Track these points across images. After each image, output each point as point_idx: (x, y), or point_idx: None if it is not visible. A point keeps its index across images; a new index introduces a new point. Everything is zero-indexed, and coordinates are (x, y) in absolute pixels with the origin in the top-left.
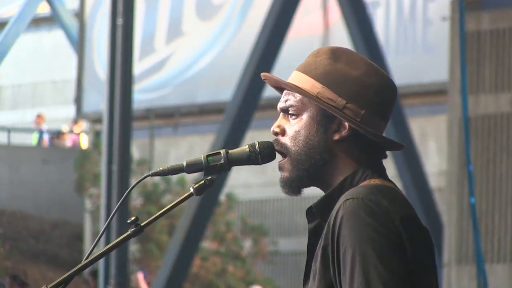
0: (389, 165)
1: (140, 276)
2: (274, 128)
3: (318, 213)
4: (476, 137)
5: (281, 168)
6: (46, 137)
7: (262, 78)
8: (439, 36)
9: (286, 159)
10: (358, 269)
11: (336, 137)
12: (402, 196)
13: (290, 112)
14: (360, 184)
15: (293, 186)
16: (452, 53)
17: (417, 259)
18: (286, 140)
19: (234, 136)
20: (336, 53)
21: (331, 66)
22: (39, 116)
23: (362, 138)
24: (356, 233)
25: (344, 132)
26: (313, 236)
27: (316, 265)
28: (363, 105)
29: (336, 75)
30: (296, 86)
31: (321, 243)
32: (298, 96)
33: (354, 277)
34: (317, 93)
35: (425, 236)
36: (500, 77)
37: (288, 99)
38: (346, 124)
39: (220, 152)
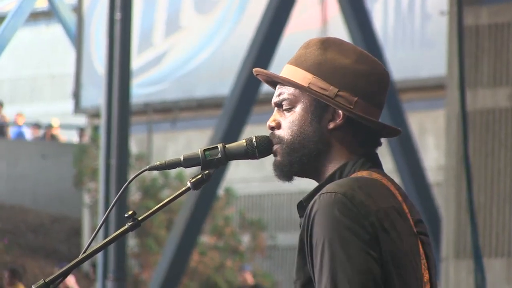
0: (388, 159)
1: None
2: (270, 122)
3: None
4: (474, 132)
5: (274, 153)
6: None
7: (255, 74)
8: (438, 31)
9: (279, 145)
10: (326, 267)
11: (331, 126)
12: (385, 188)
13: (284, 105)
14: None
15: (284, 170)
16: (451, 47)
17: (398, 251)
18: (281, 132)
19: (232, 131)
20: (326, 43)
21: (321, 56)
22: (19, 115)
23: (357, 126)
24: (326, 229)
25: (338, 121)
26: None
27: (298, 260)
28: (356, 92)
29: (327, 64)
30: (287, 78)
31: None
32: (291, 89)
33: (322, 274)
34: (309, 83)
35: (408, 227)
36: (499, 71)
37: (281, 93)
38: (340, 112)
39: (217, 147)
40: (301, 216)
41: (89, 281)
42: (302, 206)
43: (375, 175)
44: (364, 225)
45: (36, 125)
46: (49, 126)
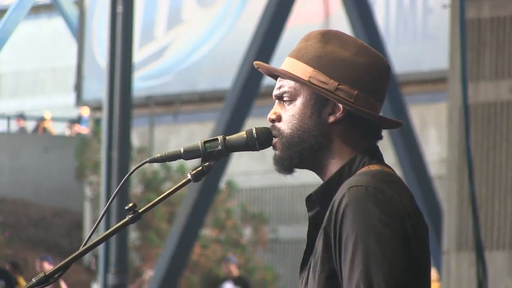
0: (389, 153)
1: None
2: (270, 115)
3: (317, 201)
4: (476, 125)
5: (274, 147)
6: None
7: (256, 67)
8: (439, 24)
9: (278, 138)
10: (359, 260)
11: (331, 119)
12: (401, 180)
13: (284, 98)
14: (360, 171)
15: (284, 164)
16: (452, 41)
17: (418, 245)
18: (281, 125)
19: (234, 124)
20: (326, 36)
21: (321, 49)
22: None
23: (357, 119)
24: (359, 222)
25: (338, 114)
26: (313, 224)
27: (316, 255)
28: (356, 85)
29: (327, 57)
30: (287, 72)
31: (321, 232)
32: (291, 82)
33: (354, 267)
34: (309, 77)
35: (423, 220)
36: (500, 65)
37: (281, 86)
38: (340, 106)
39: (217, 138)
40: (309, 210)
41: (90, 273)
42: (311, 200)
43: (387, 169)
44: (397, 219)
45: (21, 116)
46: (41, 119)
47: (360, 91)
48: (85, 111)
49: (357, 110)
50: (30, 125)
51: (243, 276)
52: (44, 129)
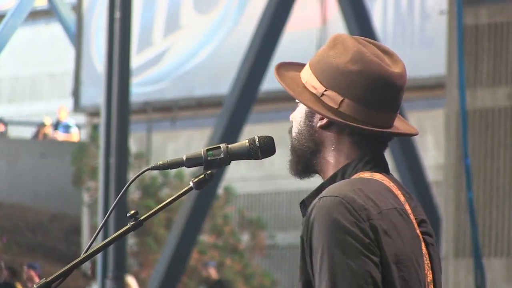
0: (387, 158)
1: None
2: (290, 116)
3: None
4: (474, 131)
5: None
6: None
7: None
8: (437, 30)
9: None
10: (326, 271)
11: (319, 125)
12: (386, 189)
13: (296, 101)
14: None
15: (293, 168)
16: (450, 47)
17: (400, 253)
18: (292, 126)
19: (232, 130)
20: (336, 40)
21: (324, 53)
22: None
23: (345, 127)
24: (325, 233)
25: (324, 120)
26: None
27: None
28: (344, 92)
29: (322, 62)
30: (281, 83)
31: (300, 241)
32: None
33: (322, 278)
34: (305, 81)
35: (410, 228)
36: (498, 71)
37: None
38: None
39: (220, 147)
40: (303, 215)
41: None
42: (304, 205)
43: (377, 176)
44: (364, 229)
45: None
46: (42, 125)
47: (348, 99)
48: (63, 115)
49: (337, 118)
50: (27, 131)
51: (223, 280)
52: (45, 135)
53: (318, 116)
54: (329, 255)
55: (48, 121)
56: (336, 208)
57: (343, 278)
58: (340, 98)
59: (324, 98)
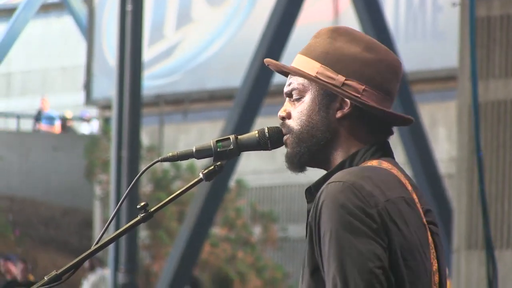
0: (399, 151)
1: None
2: (280, 112)
3: (316, 193)
4: (486, 123)
5: (285, 144)
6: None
7: (266, 64)
8: (449, 22)
9: (289, 135)
10: (334, 255)
11: (339, 115)
12: (394, 178)
13: (293, 95)
14: (358, 166)
15: (294, 161)
16: (462, 39)
17: (407, 242)
18: (291, 122)
19: (244, 123)
20: (335, 32)
21: (330, 45)
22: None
23: (365, 115)
24: (333, 218)
25: (346, 109)
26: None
27: (304, 250)
28: (363, 80)
29: (335, 53)
30: (294, 68)
31: (307, 227)
32: (300, 78)
33: (330, 262)
34: (316, 72)
35: (417, 217)
36: (510, 62)
37: (291, 83)
38: (348, 101)
39: (229, 138)
40: (308, 202)
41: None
42: (310, 192)
43: (385, 165)
44: (372, 215)
45: None
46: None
47: (368, 86)
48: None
49: (364, 105)
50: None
51: (194, 276)
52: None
53: (336, 106)
54: (337, 239)
55: (70, 114)
56: (344, 194)
57: (351, 261)
58: (362, 87)
59: (345, 88)
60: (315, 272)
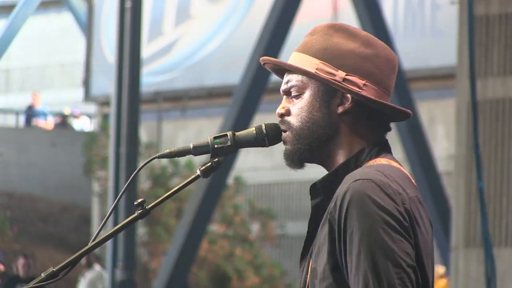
0: (397, 148)
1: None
2: (279, 110)
3: (322, 190)
4: (484, 121)
5: (284, 141)
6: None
7: (262, 63)
8: (448, 20)
9: (288, 132)
10: (365, 254)
11: (340, 110)
12: (407, 177)
13: (292, 92)
14: (367, 164)
15: (294, 158)
16: (461, 37)
17: (424, 240)
18: (290, 119)
19: (242, 119)
20: (331, 29)
21: (328, 41)
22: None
23: (366, 110)
24: (365, 215)
25: (347, 105)
26: (315, 213)
27: (318, 246)
28: (363, 75)
29: (333, 49)
30: (294, 65)
31: (326, 223)
32: (299, 75)
33: (360, 261)
34: (316, 69)
35: (428, 216)
36: (509, 61)
37: (289, 80)
38: (349, 96)
39: (226, 134)
40: (312, 198)
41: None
42: (315, 188)
43: (394, 163)
44: (402, 213)
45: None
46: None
47: (368, 81)
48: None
49: (366, 99)
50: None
51: None
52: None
53: (336, 101)
54: (369, 236)
55: (68, 111)
56: (373, 191)
57: (385, 260)
58: (363, 81)
59: (346, 83)
60: (335, 269)
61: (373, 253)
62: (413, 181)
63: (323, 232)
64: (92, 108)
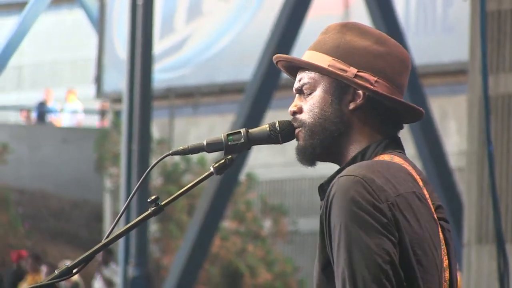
0: (409, 144)
1: None
2: (291, 107)
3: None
4: (496, 117)
5: (297, 137)
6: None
7: (274, 62)
8: (460, 16)
9: (301, 128)
10: (343, 249)
11: (351, 106)
12: (406, 173)
13: (304, 90)
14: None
15: (306, 154)
16: (473, 32)
17: (418, 237)
18: (302, 116)
19: (254, 116)
20: (344, 27)
21: (340, 39)
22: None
23: (378, 107)
24: (343, 210)
25: (359, 101)
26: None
27: (316, 244)
28: (376, 72)
29: (345, 46)
30: (306, 61)
31: (319, 221)
32: (311, 73)
33: (339, 255)
34: (328, 65)
35: (428, 213)
36: None
37: (301, 78)
38: (361, 92)
39: (240, 131)
40: (322, 199)
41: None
42: (323, 189)
43: (397, 159)
44: (382, 209)
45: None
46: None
47: (380, 78)
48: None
49: (378, 95)
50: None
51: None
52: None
53: (348, 98)
54: (346, 232)
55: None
56: (354, 187)
57: (360, 255)
58: (374, 78)
59: (358, 79)
60: (327, 266)
61: (349, 249)
62: (419, 177)
63: (318, 231)
64: (104, 104)
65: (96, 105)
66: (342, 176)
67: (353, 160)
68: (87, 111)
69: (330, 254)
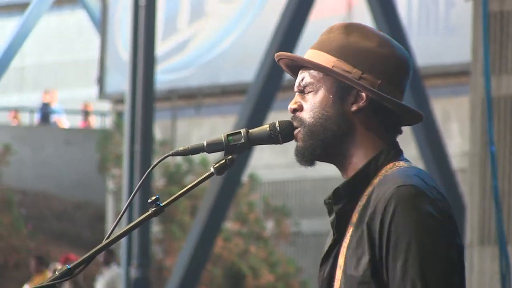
0: (411, 145)
1: None
2: (291, 105)
3: (345, 196)
4: (499, 118)
5: (296, 138)
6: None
7: (276, 59)
8: (462, 17)
9: (300, 128)
10: (414, 259)
11: (354, 108)
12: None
13: (306, 90)
14: (387, 167)
15: (306, 154)
16: (475, 33)
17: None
18: (303, 114)
19: (256, 117)
20: (349, 28)
21: (344, 39)
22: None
23: (380, 109)
24: (413, 222)
25: (361, 103)
26: (341, 218)
27: (352, 249)
28: (379, 75)
29: (350, 47)
30: (310, 60)
31: (364, 228)
32: (314, 72)
33: (408, 266)
34: (332, 66)
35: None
36: None
37: (303, 77)
38: (363, 94)
39: (240, 132)
40: (335, 204)
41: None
42: (338, 193)
43: (414, 165)
44: (449, 217)
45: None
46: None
47: (383, 81)
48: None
49: (381, 98)
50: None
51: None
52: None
53: (351, 99)
54: (418, 244)
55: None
56: (421, 198)
57: (434, 267)
58: (378, 81)
59: (362, 81)
60: (375, 275)
61: (421, 260)
62: None
63: (356, 237)
64: (106, 105)
65: (99, 106)
66: (401, 186)
67: (368, 166)
68: (89, 113)
69: (384, 263)
